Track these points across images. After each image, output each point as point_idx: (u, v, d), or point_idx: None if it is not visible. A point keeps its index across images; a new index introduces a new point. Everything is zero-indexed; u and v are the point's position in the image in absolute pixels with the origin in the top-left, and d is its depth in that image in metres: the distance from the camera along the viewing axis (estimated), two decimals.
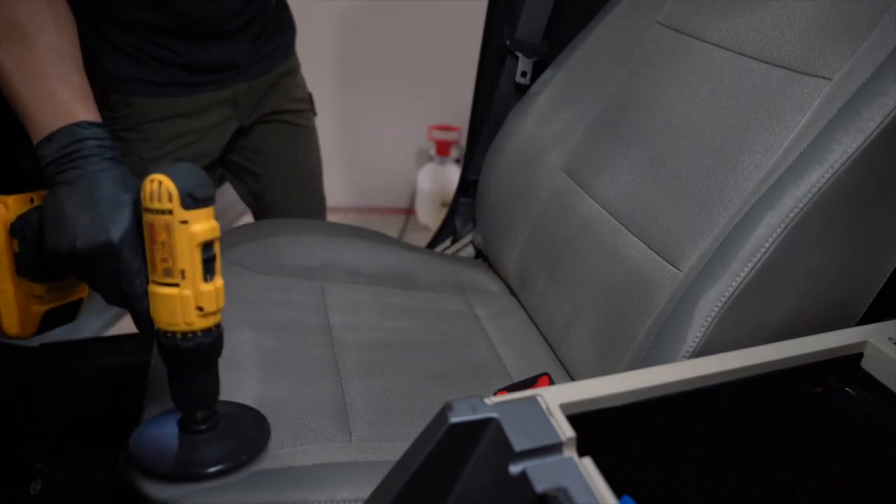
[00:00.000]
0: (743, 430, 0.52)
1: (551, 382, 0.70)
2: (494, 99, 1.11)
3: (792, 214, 0.57)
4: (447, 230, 1.25)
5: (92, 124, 0.54)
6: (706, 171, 0.67)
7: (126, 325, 1.49)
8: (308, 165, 1.23)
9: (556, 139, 0.90)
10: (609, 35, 0.91)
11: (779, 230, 0.57)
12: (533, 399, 0.38)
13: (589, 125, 0.86)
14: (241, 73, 1.02)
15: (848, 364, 0.50)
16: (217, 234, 0.53)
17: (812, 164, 0.57)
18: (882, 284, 0.62)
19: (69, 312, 0.62)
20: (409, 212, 2.36)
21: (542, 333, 0.86)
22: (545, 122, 0.94)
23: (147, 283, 0.53)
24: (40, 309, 0.59)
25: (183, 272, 0.51)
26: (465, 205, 1.21)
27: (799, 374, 0.49)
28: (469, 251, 1.16)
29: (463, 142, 2.21)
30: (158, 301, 0.52)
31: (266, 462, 0.62)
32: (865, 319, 0.63)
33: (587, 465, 0.34)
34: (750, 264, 0.58)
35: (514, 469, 0.34)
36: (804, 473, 0.54)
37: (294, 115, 1.16)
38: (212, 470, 0.57)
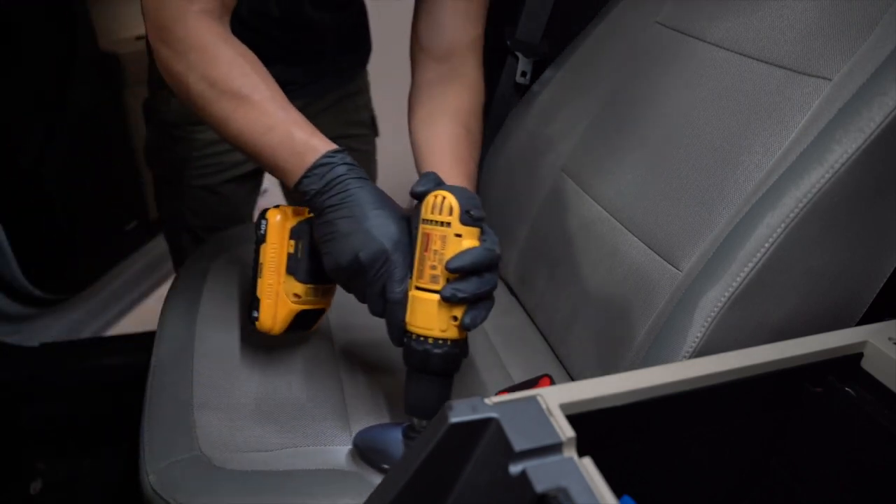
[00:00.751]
0: (743, 430, 0.52)
1: (552, 384, 0.70)
2: (494, 99, 1.11)
3: (792, 215, 0.57)
4: None
5: (335, 152, 0.60)
6: (706, 171, 0.67)
7: (126, 326, 1.50)
8: None
9: (555, 139, 0.90)
10: (609, 35, 0.91)
11: (779, 230, 0.57)
12: (533, 399, 0.38)
13: (589, 125, 0.86)
14: (295, 91, 1.01)
15: (848, 364, 0.50)
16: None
17: (812, 165, 0.57)
18: (882, 284, 0.62)
19: (311, 321, 0.67)
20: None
21: (542, 333, 0.86)
22: (545, 121, 0.94)
23: (407, 290, 0.57)
24: (295, 308, 0.65)
25: (448, 280, 0.55)
26: None
27: (799, 374, 0.49)
28: None
29: None
30: (419, 305, 0.56)
31: (267, 463, 0.62)
32: (865, 319, 0.63)
33: (587, 465, 0.34)
34: (750, 264, 0.58)
35: (514, 469, 0.34)
36: (804, 473, 0.54)
37: (353, 139, 1.13)
38: None
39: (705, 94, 0.71)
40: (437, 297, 0.55)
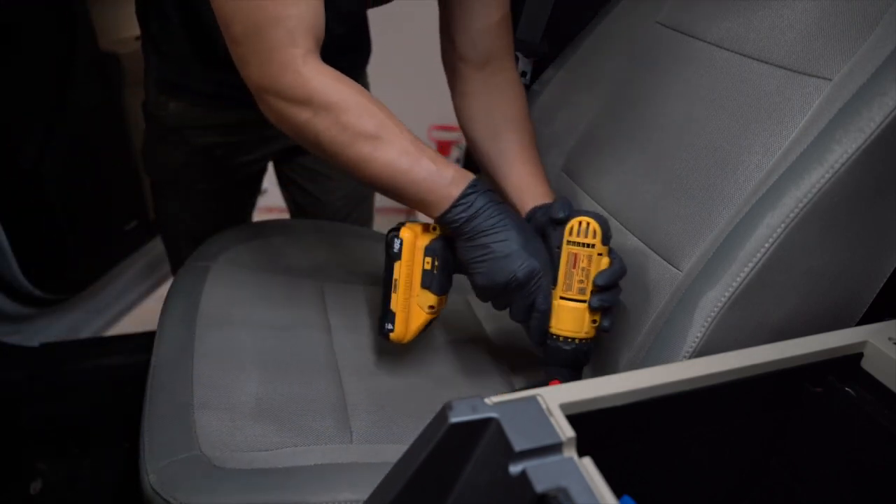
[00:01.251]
0: (743, 430, 0.52)
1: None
2: None
3: (792, 214, 0.57)
4: None
5: (477, 181, 0.66)
6: (706, 171, 0.67)
7: (126, 326, 1.50)
8: (360, 192, 1.23)
9: (555, 139, 0.90)
10: (609, 35, 0.91)
11: (779, 230, 0.57)
12: (533, 399, 0.38)
13: (589, 125, 0.86)
14: None
15: (848, 364, 0.50)
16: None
17: (812, 165, 0.57)
18: (882, 284, 0.62)
19: (427, 327, 0.74)
20: (409, 212, 2.36)
21: None
22: (545, 121, 0.94)
23: (551, 301, 0.66)
24: (428, 318, 0.71)
25: (593, 292, 0.65)
26: None
27: (799, 374, 0.49)
28: None
29: (463, 142, 2.21)
30: (568, 313, 0.66)
31: (267, 462, 0.62)
32: (865, 319, 0.63)
33: (587, 465, 0.34)
34: (750, 264, 0.58)
35: (514, 469, 0.34)
36: (804, 473, 0.54)
37: None
38: None
39: (705, 95, 0.71)
40: (584, 305, 0.65)
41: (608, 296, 0.65)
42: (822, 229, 0.58)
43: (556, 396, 0.38)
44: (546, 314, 0.66)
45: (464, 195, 0.64)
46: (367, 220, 1.32)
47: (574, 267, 0.66)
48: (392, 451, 0.65)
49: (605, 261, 0.66)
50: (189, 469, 0.60)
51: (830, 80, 0.61)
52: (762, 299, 0.59)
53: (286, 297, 0.85)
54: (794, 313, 0.60)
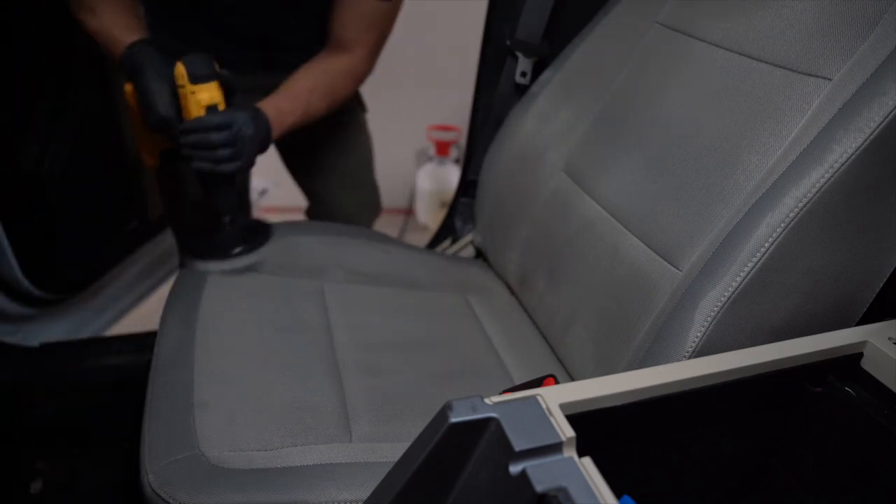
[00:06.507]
0: (743, 430, 0.52)
1: (557, 384, 0.70)
2: (494, 99, 1.11)
3: (792, 214, 0.57)
4: (447, 230, 1.25)
5: (136, 42, 0.89)
6: (706, 171, 0.67)
7: (126, 326, 1.50)
8: (358, 164, 1.29)
9: (555, 139, 0.90)
10: (609, 35, 0.91)
11: (779, 230, 0.57)
12: (533, 399, 0.38)
13: (589, 125, 0.86)
14: (284, 62, 1.05)
15: (848, 364, 0.50)
16: (217, 99, 0.84)
17: (812, 164, 0.57)
18: (882, 284, 0.62)
19: (175, 154, 0.91)
20: (409, 212, 2.36)
21: (542, 333, 0.86)
22: (545, 121, 0.94)
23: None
24: (158, 147, 0.97)
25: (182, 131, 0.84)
26: (464, 205, 1.21)
27: (799, 374, 0.49)
28: (469, 251, 1.16)
29: (462, 142, 2.21)
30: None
31: (267, 461, 0.62)
32: (865, 319, 0.63)
33: (587, 465, 0.34)
34: (750, 264, 0.58)
35: (514, 469, 0.34)
36: (804, 473, 0.54)
37: (339, 113, 1.17)
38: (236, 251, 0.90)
39: (705, 94, 0.71)
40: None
41: (189, 138, 0.83)
42: (821, 229, 0.58)
43: (556, 396, 0.38)
44: (181, 146, 0.85)
45: (124, 56, 0.89)
46: (370, 218, 1.34)
47: (182, 107, 0.83)
48: (392, 451, 0.65)
49: (200, 98, 0.81)
50: (189, 469, 0.60)
51: (830, 79, 0.61)
52: (762, 299, 0.59)
53: (286, 298, 0.85)
54: (794, 313, 0.60)
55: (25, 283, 1.20)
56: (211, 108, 0.83)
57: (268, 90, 0.99)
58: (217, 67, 0.85)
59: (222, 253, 0.90)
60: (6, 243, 1.14)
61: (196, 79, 0.81)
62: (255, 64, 1.08)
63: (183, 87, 0.81)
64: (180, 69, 0.81)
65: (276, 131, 0.92)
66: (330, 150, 1.23)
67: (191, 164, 0.85)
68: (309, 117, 0.98)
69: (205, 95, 0.81)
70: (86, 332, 1.41)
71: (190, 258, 0.90)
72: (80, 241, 1.36)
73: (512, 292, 0.96)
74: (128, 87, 0.91)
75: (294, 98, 0.96)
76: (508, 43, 1.06)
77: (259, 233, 0.96)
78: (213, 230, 0.93)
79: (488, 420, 0.36)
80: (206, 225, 0.98)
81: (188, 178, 1.14)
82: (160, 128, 0.87)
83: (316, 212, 1.32)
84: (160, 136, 0.92)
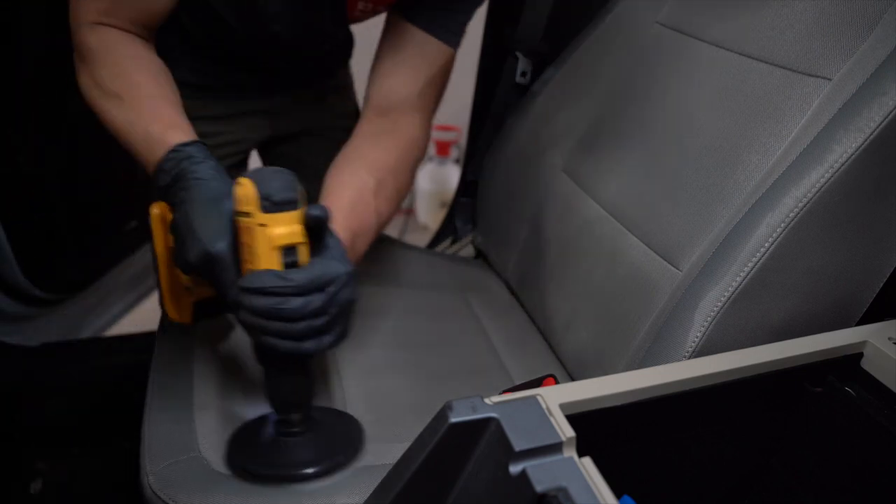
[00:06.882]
0: (743, 430, 0.52)
1: (557, 384, 0.70)
2: (494, 99, 1.11)
3: (792, 214, 0.57)
4: (447, 230, 1.26)
5: (185, 144, 0.59)
6: (706, 171, 0.67)
7: (126, 326, 1.50)
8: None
9: (555, 139, 0.90)
10: (609, 35, 0.91)
11: (779, 230, 0.57)
12: (533, 399, 0.38)
13: (589, 125, 0.86)
14: (282, 86, 0.98)
15: (848, 364, 0.50)
16: (299, 238, 0.53)
17: (812, 164, 0.57)
18: (882, 284, 0.62)
19: (217, 307, 0.65)
20: (409, 212, 2.36)
21: (542, 333, 0.86)
22: (545, 122, 0.94)
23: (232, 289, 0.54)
24: (190, 299, 0.64)
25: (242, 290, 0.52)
26: (464, 205, 1.21)
27: (799, 374, 0.49)
28: (469, 251, 1.16)
29: (462, 142, 2.21)
30: None
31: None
32: (865, 319, 0.63)
33: (587, 464, 0.34)
34: (750, 264, 0.58)
35: (514, 469, 0.34)
36: (804, 473, 0.54)
37: (339, 131, 1.15)
38: (309, 471, 0.59)
39: (705, 94, 0.71)
40: None
41: (257, 301, 0.51)
42: (821, 229, 0.58)
43: (556, 396, 0.38)
44: (235, 307, 0.54)
45: (166, 160, 0.58)
46: None
47: (241, 244, 0.53)
48: (392, 451, 0.65)
49: (275, 232, 0.51)
50: (189, 470, 0.60)
51: (830, 79, 0.61)
52: (762, 299, 0.59)
53: None
54: (794, 313, 0.60)
55: (25, 283, 1.20)
56: (288, 251, 0.53)
57: (266, 112, 0.92)
58: (300, 189, 0.54)
59: (289, 472, 0.60)
60: (6, 243, 1.14)
61: (272, 206, 0.51)
62: (255, 89, 0.97)
63: (249, 215, 0.52)
64: (247, 188, 0.51)
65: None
66: (322, 169, 1.19)
67: (252, 338, 0.56)
68: (379, 232, 0.74)
69: (282, 231, 0.52)
70: (86, 332, 1.41)
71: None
72: (80, 241, 1.36)
73: (512, 292, 0.96)
74: (156, 210, 0.62)
75: (361, 215, 0.69)
76: (508, 43, 1.06)
77: (351, 437, 0.64)
78: (278, 432, 0.62)
79: (488, 420, 0.36)
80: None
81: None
82: (201, 270, 0.55)
83: None
84: (197, 282, 0.63)
